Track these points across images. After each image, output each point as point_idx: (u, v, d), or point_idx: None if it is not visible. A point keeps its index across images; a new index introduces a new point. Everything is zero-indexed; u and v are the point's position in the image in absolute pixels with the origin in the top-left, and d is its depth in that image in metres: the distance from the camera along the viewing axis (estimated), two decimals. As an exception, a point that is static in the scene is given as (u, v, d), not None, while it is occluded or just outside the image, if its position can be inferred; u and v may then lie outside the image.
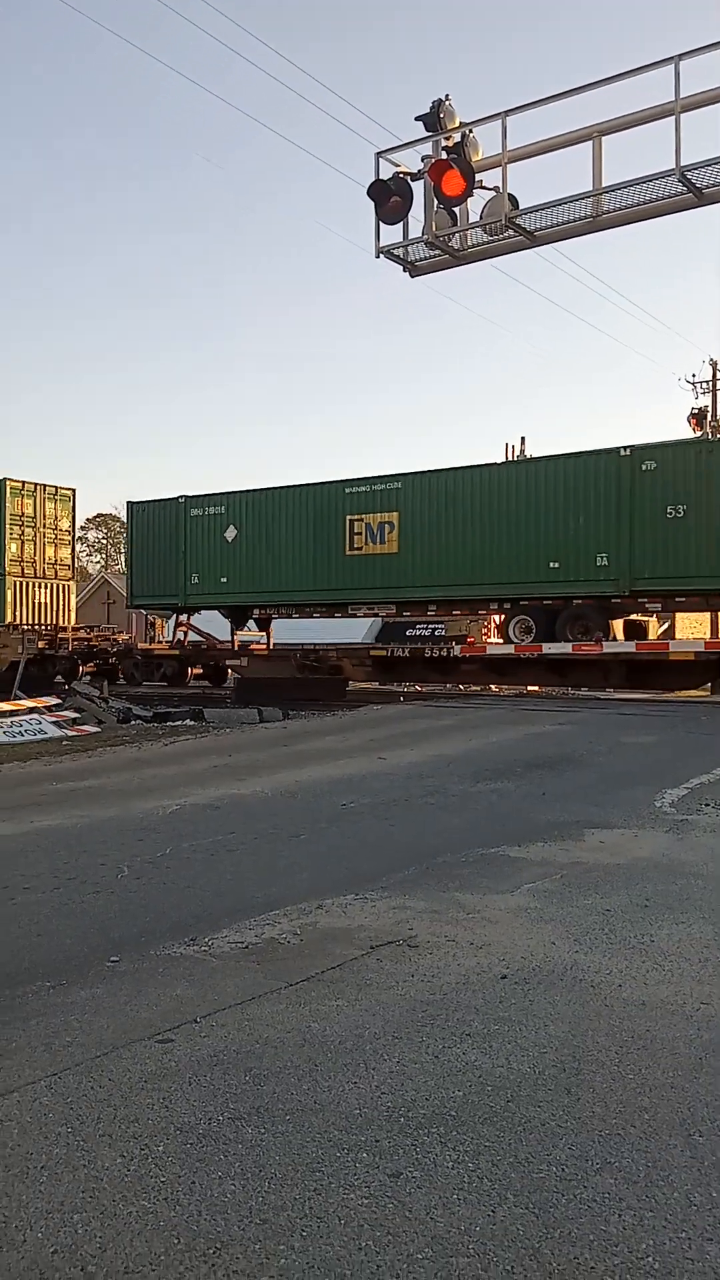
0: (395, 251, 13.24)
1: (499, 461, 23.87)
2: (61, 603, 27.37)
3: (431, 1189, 2.69)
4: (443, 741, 13.20)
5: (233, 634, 26.10)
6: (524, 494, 20.62)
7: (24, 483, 26.26)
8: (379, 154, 13.45)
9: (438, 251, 13.26)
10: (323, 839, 7.40)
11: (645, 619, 21.46)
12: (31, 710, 17.23)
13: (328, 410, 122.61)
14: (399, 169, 13.54)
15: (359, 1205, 2.61)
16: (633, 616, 20.94)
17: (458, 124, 13.29)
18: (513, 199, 12.95)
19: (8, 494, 26.00)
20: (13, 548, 25.79)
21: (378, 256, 13.09)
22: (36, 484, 26.49)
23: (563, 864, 6.42)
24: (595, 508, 19.72)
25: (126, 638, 27.69)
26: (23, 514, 26.30)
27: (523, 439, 34.74)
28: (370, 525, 22.61)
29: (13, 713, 16.86)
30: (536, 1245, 2.43)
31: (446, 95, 13.65)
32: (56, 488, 26.98)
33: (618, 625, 20.59)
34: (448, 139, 13.30)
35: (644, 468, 19.10)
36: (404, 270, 13.48)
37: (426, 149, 13.52)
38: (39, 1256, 2.38)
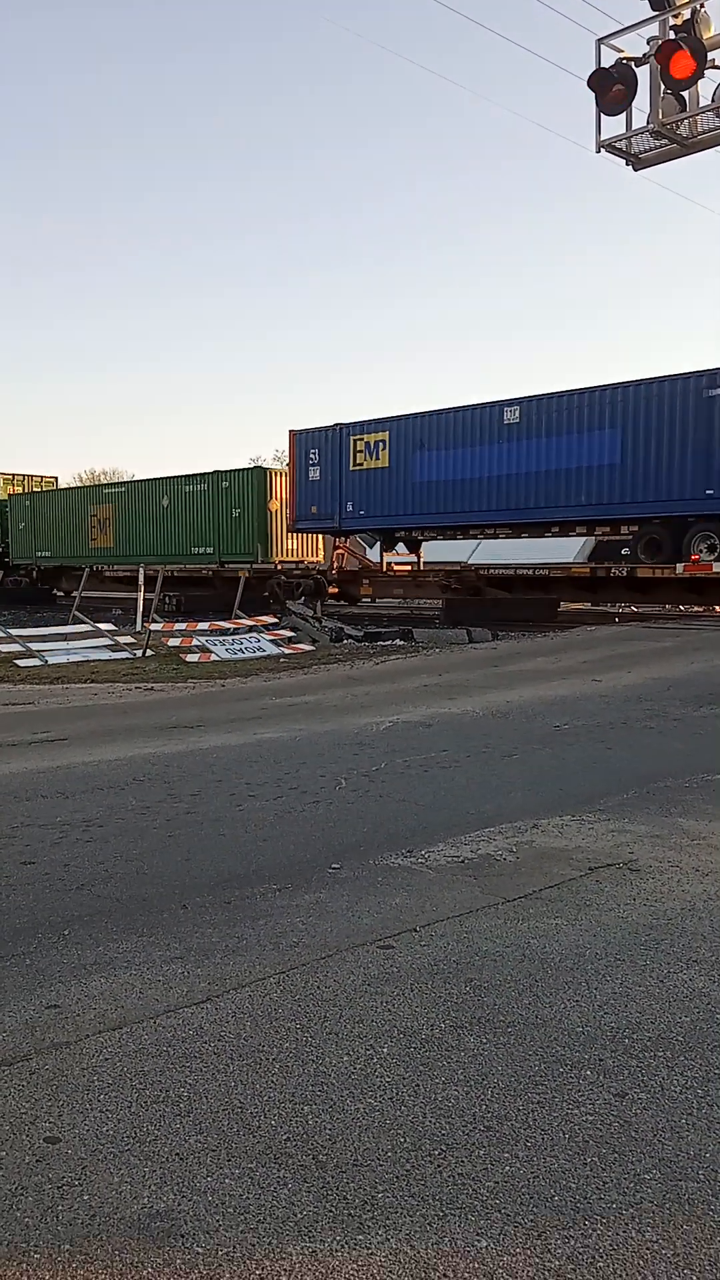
0: (617, 144, 12.45)
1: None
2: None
3: (658, 1112, 2.63)
4: (662, 664, 12.75)
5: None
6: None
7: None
8: (600, 40, 12.59)
9: (664, 141, 12.37)
10: (536, 759, 7.33)
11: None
12: (251, 629, 17.88)
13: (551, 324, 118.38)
14: (621, 55, 12.67)
15: (584, 1121, 2.58)
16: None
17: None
18: (749, 77, 11.86)
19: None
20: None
21: (598, 151, 12.33)
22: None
23: None
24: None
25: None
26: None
27: None
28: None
29: (234, 631, 17.55)
30: (773, 1179, 2.34)
31: (677, -32, 12.60)
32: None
33: None
34: (676, 17, 12.31)
35: None
36: (626, 164, 12.67)
37: (652, 30, 12.57)
38: (273, 1142, 2.50)
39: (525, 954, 3.67)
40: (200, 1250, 2.09)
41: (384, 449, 24.01)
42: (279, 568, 27.10)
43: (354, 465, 24.61)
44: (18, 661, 14.68)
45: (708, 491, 18.34)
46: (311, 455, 25.88)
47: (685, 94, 12.17)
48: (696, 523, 19.07)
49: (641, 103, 12.51)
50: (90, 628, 17.47)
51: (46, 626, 18.69)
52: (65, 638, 16.91)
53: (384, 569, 26.59)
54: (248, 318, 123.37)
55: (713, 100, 12.08)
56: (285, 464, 27.98)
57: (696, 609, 21.52)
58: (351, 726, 8.77)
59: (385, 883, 4.50)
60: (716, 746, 7.67)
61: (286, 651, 16.52)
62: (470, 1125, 2.57)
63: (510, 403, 21.61)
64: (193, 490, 29.38)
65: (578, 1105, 2.66)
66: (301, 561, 28.22)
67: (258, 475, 28.23)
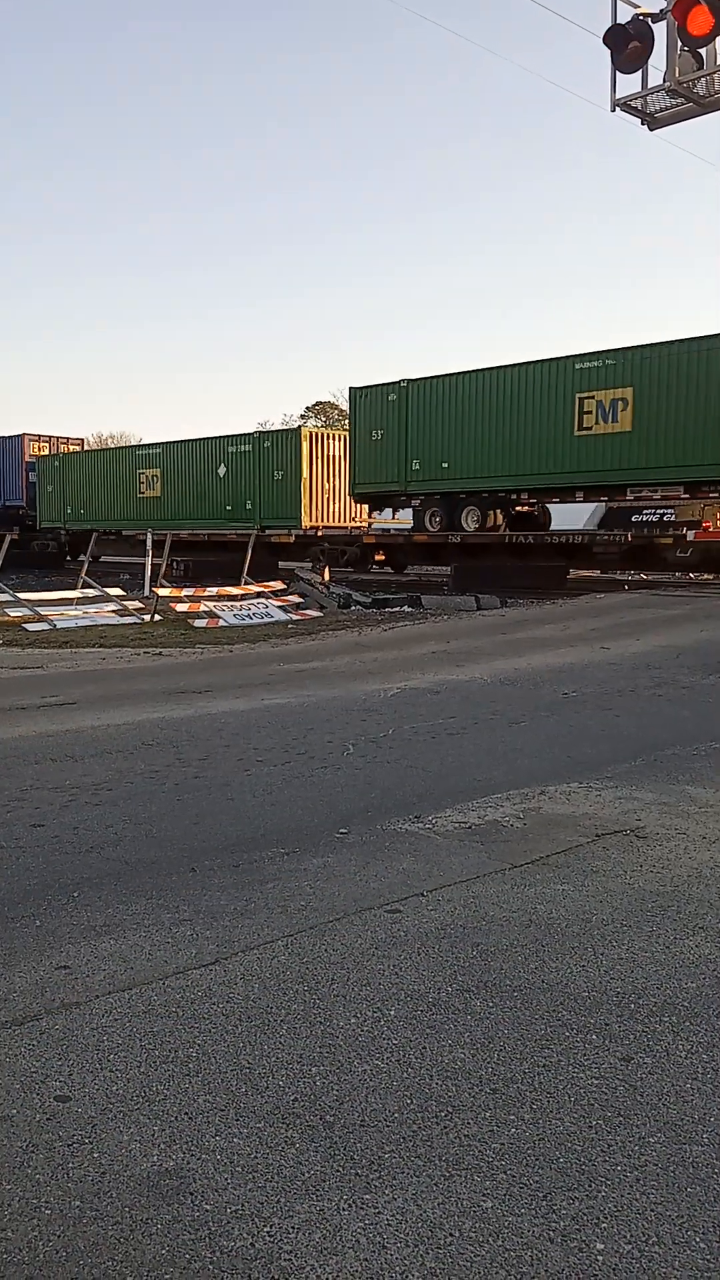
0: (633, 103, 12.25)
1: None
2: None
3: (664, 1076, 2.64)
4: (672, 632, 12.71)
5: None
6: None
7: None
8: (616, -6, 12.36)
9: (680, 100, 12.17)
10: (544, 726, 7.33)
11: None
12: (259, 595, 17.86)
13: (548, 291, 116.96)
14: (638, 10, 12.43)
15: (589, 1084, 2.60)
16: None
17: (707, -48, 11.99)
18: (769, 34, 11.62)
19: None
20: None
21: (613, 110, 12.14)
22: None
23: None
24: None
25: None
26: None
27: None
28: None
29: (242, 596, 17.54)
30: (777, 1143, 2.35)
31: None
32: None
33: None
34: (694, -29, 12.04)
35: None
36: (642, 123, 12.47)
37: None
38: (280, 1103, 2.52)
39: (532, 919, 3.68)
40: (209, 1208, 2.12)
41: None
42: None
43: None
44: (26, 625, 14.70)
45: None
46: None
47: (702, 51, 11.95)
48: None
49: (658, 60, 12.29)
50: (99, 592, 17.47)
51: (55, 590, 18.69)
52: (74, 602, 16.91)
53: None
54: (251, 285, 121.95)
55: (731, 58, 11.88)
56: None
57: (706, 576, 21.41)
58: (359, 693, 8.78)
59: (393, 848, 4.51)
60: (725, 714, 7.66)
61: (294, 618, 16.52)
62: (476, 1087, 2.59)
63: None
64: None
65: (583, 1069, 2.68)
66: None
67: None
